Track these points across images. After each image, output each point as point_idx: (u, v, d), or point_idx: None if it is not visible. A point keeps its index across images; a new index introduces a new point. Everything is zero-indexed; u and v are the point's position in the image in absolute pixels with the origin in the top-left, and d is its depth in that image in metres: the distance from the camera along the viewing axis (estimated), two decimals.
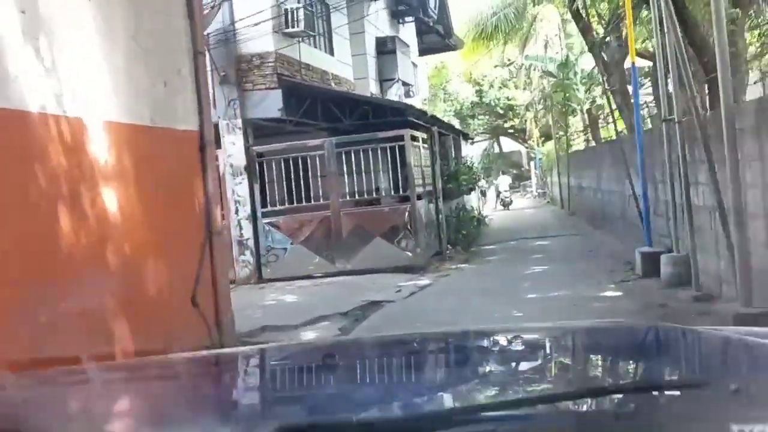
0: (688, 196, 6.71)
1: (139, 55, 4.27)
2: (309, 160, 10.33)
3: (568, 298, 7.36)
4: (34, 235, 3.32)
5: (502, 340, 1.71)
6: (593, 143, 20.34)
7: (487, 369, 1.47)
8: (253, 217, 10.20)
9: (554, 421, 1.00)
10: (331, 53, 12.74)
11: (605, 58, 13.31)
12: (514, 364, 1.51)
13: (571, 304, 6.98)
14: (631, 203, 9.96)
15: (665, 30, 6.78)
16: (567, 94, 21.23)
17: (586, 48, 17.05)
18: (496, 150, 37.03)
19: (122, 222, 3.88)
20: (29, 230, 3.30)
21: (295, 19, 10.39)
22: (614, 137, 15.89)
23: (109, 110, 3.98)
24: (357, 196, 10.54)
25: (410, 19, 17.45)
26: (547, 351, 1.63)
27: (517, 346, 1.62)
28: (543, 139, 29.91)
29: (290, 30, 10.49)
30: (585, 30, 13.93)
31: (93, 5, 3.89)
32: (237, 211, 10.16)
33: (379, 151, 10.29)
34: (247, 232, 10.18)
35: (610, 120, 20.14)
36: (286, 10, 10.28)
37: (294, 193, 10.30)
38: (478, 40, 22.69)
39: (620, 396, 1.09)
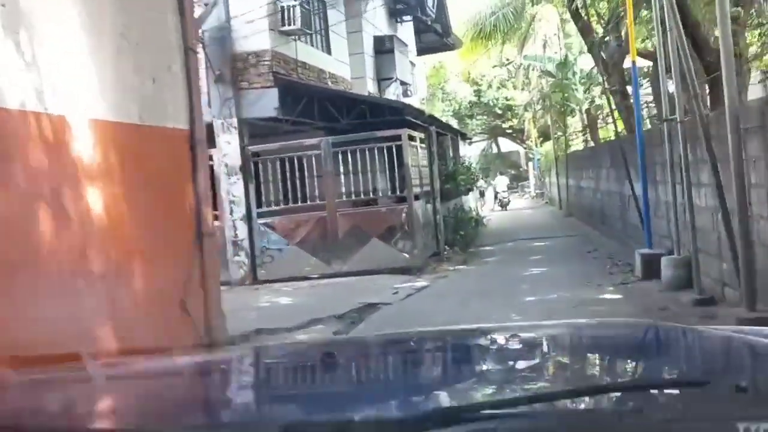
0: (690, 197, 6.59)
1: (126, 50, 4.14)
2: (305, 160, 10.21)
3: (567, 300, 7.25)
4: (13, 237, 3.19)
5: (504, 338, 1.71)
6: (592, 143, 20.24)
7: (493, 367, 1.46)
8: (248, 218, 10.07)
9: (556, 419, 0.99)
10: (328, 52, 12.61)
11: (604, 58, 13.21)
12: (515, 362, 1.50)
13: (570, 306, 6.87)
14: (630, 204, 9.85)
15: (668, 28, 6.66)
16: (566, 94, 21.14)
17: (585, 48, 16.96)
18: (495, 150, 36.94)
19: (107, 224, 3.74)
20: (7, 232, 3.16)
21: (292, 16, 10.26)
22: (613, 138, 15.81)
23: (95, 108, 3.85)
24: (354, 197, 10.42)
25: (408, 18, 17.34)
26: (550, 349, 1.63)
27: (519, 345, 1.62)
28: (541, 139, 29.81)
29: (286, 28, 10.35)
30: (584, 29, 13.83)
31: None
32: (232, 212, 10.03)
33: (376, 151, 10.16)
34: (242, 232, 10.05)
35: (609, 120, 20.10)
36: (282, 7, 10.15)
37: (290, 193, 10.18)
38: (477, 40, 22.60)
39: (623, 394, 1.08)
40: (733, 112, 5.06)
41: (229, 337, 5.15)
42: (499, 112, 32.03)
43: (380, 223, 10.15)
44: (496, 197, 25.79)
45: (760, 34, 12.43)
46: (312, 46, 11.87)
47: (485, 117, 32.66)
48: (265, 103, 10.00)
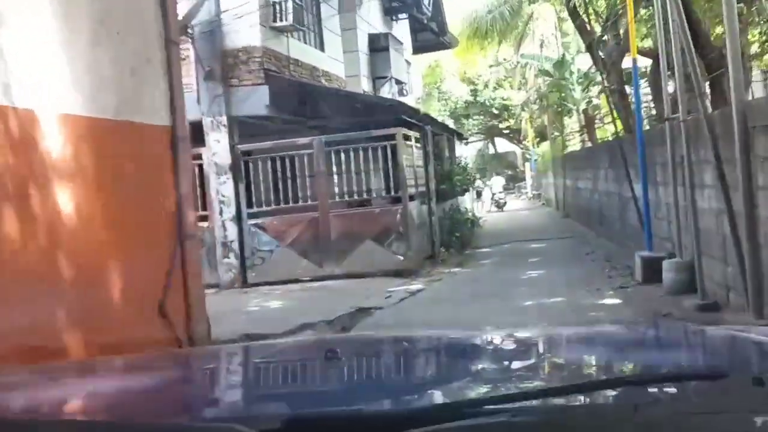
0: (693, 199, 6.38)
1: (102, 42, 3.90)
2: (297, 160, 9.98)
3: (565, 305, 7.06)
4: None
5: (521, 337, 1.73)
6: (589, 144, 20.07)
7: (506, 362, 1.48)
8: (238, 218, 9.82)
9: (572, 412, 0.99)
10: (322, 49, 12.38)
11: (602, 57, 13.02)
12: (532, 357, 1.52)
13: (569, 311, 6.69)
14: (629, 205, 9.65)
15: (671, 24, 6.46)
16: (563, 94, 20.97)
17: (582, 47, 16.78)
18: (491, 151, 36.77)
19: (78, 225, 3.50)
20: None
21: (284, 12, 10.03)
22: (610, 138, 15.62)
23: (67, 102, 3.61)
24: (347, 197, 10.19)
25: (404, 16, 17.14)
26: (563, 346, 1.66)
27: (538, 343, 1.66)
28: (538, 139, 29.66)
29: (278, 24, 10.12)
30: (582, 28, 13.64)
31: None
32: (221, 212, 9.78)
33: (370, 151, 9.94)
34: (232, 233, 9.80)
35: (606, 120, 19.95)
36: (274, 2, 9.92)
37: (281, 193, 9.94)
38: (473, 39, 22.43)
39: (640, 386, 1.07)
40: (740, 111, 4.86)
41: (212, 342, 4.92)
42: (496, 112, 31.86)
43: (374, 225, 9.92)
44: (492, 198, 25.60)
45: (760, 33, 12.28)
46: (305, 42, 11.64)
47: (482, 117, 32.49)
48: (256, 100, 9.76)
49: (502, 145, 36.79)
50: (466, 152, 24.79)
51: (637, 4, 9.74)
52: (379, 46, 14.74)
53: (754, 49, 12.30)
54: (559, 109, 21.99)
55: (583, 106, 20.92)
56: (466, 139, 26.17)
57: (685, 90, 6.74)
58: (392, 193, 10.19)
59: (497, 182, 26.99)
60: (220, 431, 0.97)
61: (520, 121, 31.04)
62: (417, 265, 10.14)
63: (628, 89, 13.65)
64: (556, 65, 21.05)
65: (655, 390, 1.05)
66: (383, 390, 1.29)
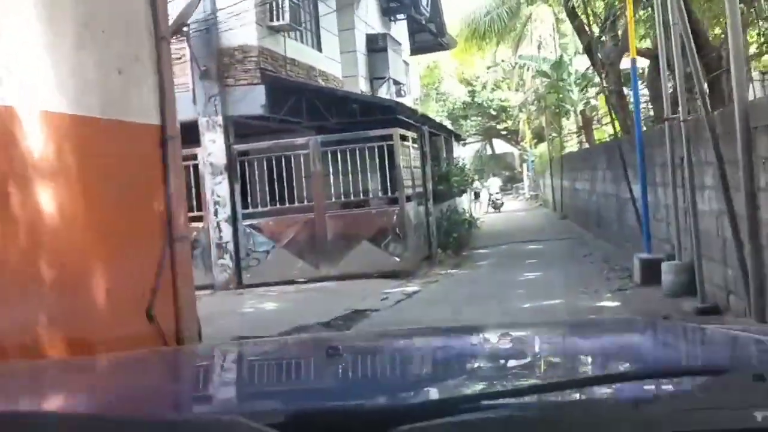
0: (693, 200, 6.30)
1: (88, 38, 3.79)
2: (293, 160, 9.88)
3: (563, 307, 6.99)
4: None
5: (517, 333, 1.74)
6: (587, 145, 20.00)
7: (507, 358, 1.48)
8: (234, 219, 9.72)
9: (571, 408, 0.99)
10: (319, 49, 12.28)
11: (600, 58, 12.95)
12: (530, 353, 1.53)
13: (566, 314, 6.60)
14: (627, 207, 9.57)
15: (671, 24, 6.37)
16: (560, 95, 20.91)
17: (580, 48, 16.71)
18: (489, 152, 36.71)
19: (63, 227, 3.39)
20: None
21: (280, 11, 9.93)
22: (608, 139, 15.55)
23: (51, 99, 3.50)
24: (343, 198, 10.10)
25: (402, 16, 17.07)
26: (562, 343, 1.68)
27: (536, 339, 1.68)
28: (536, 140, 29.60)
29: (275, 23, 10.03)
30: (580, 29, 13.57)
31: None
32: (216, 213, 9.68)
33: (366, 151, 9.84)
34: (227, 234, 9.69)
35: (604, 121, 19.87)
36: (270, 1, 9.82)
37: (277, 194, 9.84)
38: (471, 40, 22.37)
39: (640, 382, 1.07)
40: (742, 110, 4.77)
41: None
42: (494, 113, 31.82)
43: (370, 226, 9.82)
44: (489, 199, 25.53)
45: (758, 34, 12.22)
46: (302, 42, 11.55)
47: (480, 118, 32.44)
48: (252, 100, 9.66)
49: (500, 146, 36.73)
50: (464, 153, 24.71)
51: (636, 5, 9.67)
52: (377, 46, 14.66)
53: (752, 50, 12.24)
54: (557, 110, 21.94)
55: (580, 107, 20.87)
56: (464, 140, 26.10)
57: (685, 90, 6.67)
58: (389, 193, 10.09)
59: (494, 183, 26.89)
60: (224, 424, 0.96)
61: (518, 122, 30.99)
62: (414, 266, 10.04)
63: (626, 90, 13.59)
64: (553, 66, 21.00)
65: (655, 386, 1.05)
66: (384, 385, 1.30)
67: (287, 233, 9.82)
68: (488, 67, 30.04)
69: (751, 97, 8.53)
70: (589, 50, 13.37)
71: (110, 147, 3.81)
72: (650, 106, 13.25)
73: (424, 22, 17.83)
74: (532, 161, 30.34)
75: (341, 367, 1.41)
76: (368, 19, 14.83)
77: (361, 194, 10.11)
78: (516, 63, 25.40)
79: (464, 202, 17.59)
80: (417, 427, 0.86)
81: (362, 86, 13.87)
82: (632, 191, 9.12)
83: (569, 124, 23.89)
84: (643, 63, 12.99)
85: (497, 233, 15.83)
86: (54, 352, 3.27)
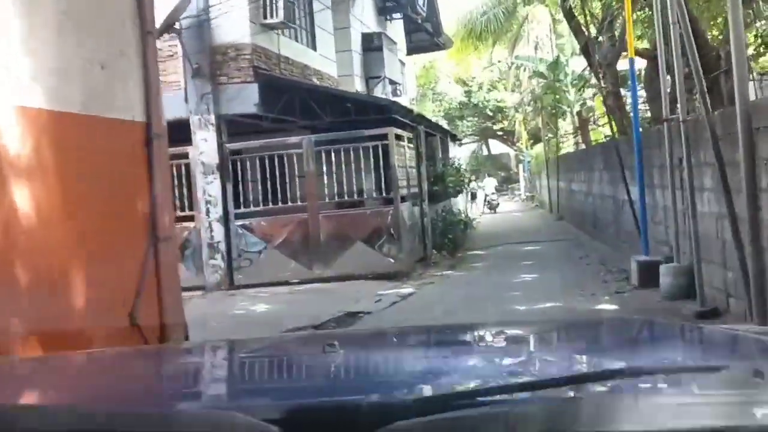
0: (692, 202, 6.19)
1: (70, 31, 3.65)
2: (286, 159, 9.75)
3: (560, 310, 6.88)
4: None
5: (516, 330, 1.74)
6: (583, 146, 19.92)
7: (506, 355, 1.48)
8: (225, 219, 9.58)
9: (570, 403, 0.99)
10: (314, 48, 12.14)
11: (598, 59, 12.86)
12: (528, 350, 1.53)
13: (563, 317, 6.47)
14: (625, 208, 9.47)
15: (671, 23, 6.26)
16: (557, 96, 20.82)
17: (577, 49, 16.62)
18: (485, 152, 36.63)
19: (39, 227, 3.25)
20: None
21: (274, 8, 9.79)
22: (604, 140, 15.44)
23: (28, 94, 3.36)
24: (337, 198, 9.96)
25: (398, 15, 16.96)
26: (562, 340, 1.68)
27: (534, 335, 1.68)
28: (532, 141, 29.51)
29: (269, 21, 9.89)
30: (577, 29, 13.47)
31: None
32: (208, 212, 9.53)
33: (361, 151, 9.71)
34: (219, 234, 9.55)
35: (601, 122, 19.80)
36: None
37: (270, 193, 9.70)
38: (467, 40, 22.27)
39: (641, 378, 1.05)
40: (744, 111, 4.66)
41: None
42: (490, 113, 31.73)
43: (365, 226, 9.70)
44: (484, 199, 25.42)
45: (755, 36, 12.15)
46: (296, 41, 11.41)
47: (476, 118, 32.35)
48: (245, 98, 9.53)
49: (496, 147, 36.67)
50: (460, 153, 24.60)
51: (634, 5, 9.57)
52: (372, 45, 14.53)
53: (750, 51, 12.16)
54: (553, 111, 21.84)
55: (577, 108, 20.79)
56: (460, 140, 26.00)
57: (684, 90, 6.56)
58: (383, 194, 9.97)
59: (489, 183, 26.78)
60: (221, 419, 0.95)
61: (514, 122, 30.91)
62: (408, 267, 9.92)
63: (623, 91, 13.50)
64: (550, 67, 20.92)
65: (654, 382, 1.05)
66: (380, 382, 1.31)
67: (280, 233, 9.69)
68: (484, 68, 29.95)
69: (752, 98, 8.48)
70: (586, 51, 13.28)
71: (92, 144, 3.67)
72: (647, 107, 13.17)
73: (420, 21, 17.73)
74: (528, 162, 30.27)
75: (337, 364, 1.40)
76: (364, 18, 14.70)
77: (356, 194, 9.98)
78: (512, 63, 25.32)
79: (460, 202, 17.47)
80: (412, 423, 0.86)
81: (358, 85, 13.74)
82: (630, 193, 9.02)
83: (566, 124, 23.80)
84: (641, 64, 12.90)
85: (493, 234, 15.73)
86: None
